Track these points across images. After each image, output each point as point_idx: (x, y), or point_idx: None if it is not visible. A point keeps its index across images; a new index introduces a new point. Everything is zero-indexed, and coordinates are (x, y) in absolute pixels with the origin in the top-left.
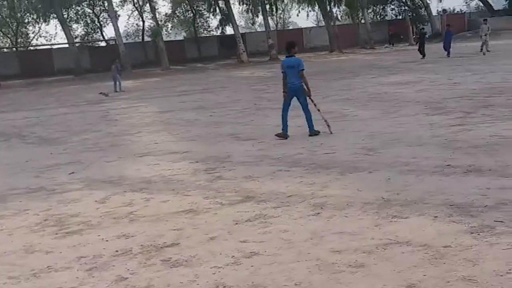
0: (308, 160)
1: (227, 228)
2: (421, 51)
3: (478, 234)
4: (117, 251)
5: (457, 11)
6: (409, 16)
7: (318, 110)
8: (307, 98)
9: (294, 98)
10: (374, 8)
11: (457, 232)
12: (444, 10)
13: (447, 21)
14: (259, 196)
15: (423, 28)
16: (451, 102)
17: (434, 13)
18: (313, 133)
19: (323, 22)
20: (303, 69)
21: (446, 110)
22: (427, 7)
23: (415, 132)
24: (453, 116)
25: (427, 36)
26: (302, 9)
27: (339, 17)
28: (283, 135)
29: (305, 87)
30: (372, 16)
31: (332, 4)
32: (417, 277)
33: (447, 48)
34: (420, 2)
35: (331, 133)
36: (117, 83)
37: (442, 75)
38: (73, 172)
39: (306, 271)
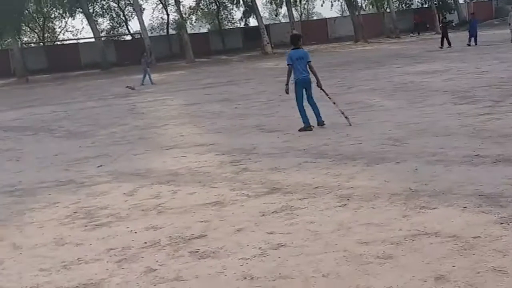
0: (334, 151)
1: (253, 220)
2: (443, 40)
3: (508, 225)
4: (145, 242)
5: None
6: (435, 4)
7: (334, 103)
8: (321, 90)
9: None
10: None
11: (486, 222)
12: None
13: (474, 8)
14: (285, 188)
15: (445, 18)
16: (479, 91)
17: (460, 0)
18: (321, 124)
19: (347, 12)
20: (310, 61)
21: (474, 99)
22: None
23: (442, 122)
24: (481, 105)
25: (453, 24)
26: None
27: (364, 7)
28: (307, 127)
29: (315, 78)
30: (397, 5)
31: None
32: (446, 268)
33: (474, 36)
34: None
35: (350, 124)
36: (146, 76)
37: (470, 64)
38: (101, 165)
39: (333, 263)
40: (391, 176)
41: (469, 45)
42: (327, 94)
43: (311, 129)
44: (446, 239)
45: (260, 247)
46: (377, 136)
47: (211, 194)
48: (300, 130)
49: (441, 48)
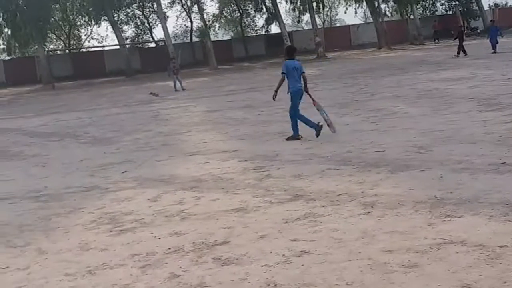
0: (358, 159)
1: (277, 227)
2: (460, 48)
3: None
4: (169, 248)
5: (510, 5)
6: (460, 11)
7: (317, 110)
8: (308, 95)
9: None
10: (423, 3)
11: None
12: (496, 5)
13: (499, 15)
14: (309, 195)
15: (461, 26)
16: (505, 98)
17: (485, 7)
18: (295, 137)
19: (371, 19)
20: (304, 72)
21: (500, 106)
22: (478, 1)
23: (468, 129)
24: (508, 112)
25: (478, 31)
26: (350, 6)
27: (388, 13)
28: (296, 137)
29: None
30: (421, 11)
31: (380, 0)
32: (473, 278)
33: (493, 43)
34: None
35: (334, 131)
36: (175, 82)
37: (495, 71)
38: (125, 171)
39: (357, 271)
40: (416, 183)
41: (494, 52)
42: (313, 100)
43: (299, 139)
44: (472, 248)
45: (284, 254)
46: (401, 143)
47: (234, 200)
48: (288, 139)
49: (456, 56)
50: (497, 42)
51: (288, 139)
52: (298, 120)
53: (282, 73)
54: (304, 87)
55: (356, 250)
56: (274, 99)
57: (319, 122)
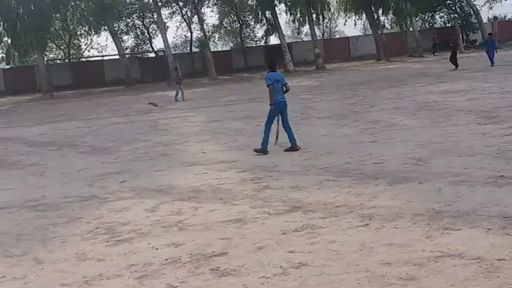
0: (356, 170)
1: (274, 238)
2: (453, 61)
3: None
4: (166, 259)
5: (509, 18)
6: (459, 23)
7: (277, 120)
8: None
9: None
10: (423, 15)
11: (511, 244)
12: (495, 17)
13: (497, 28)
14: (307, 206)
15: (455, 38)
16: (504, 111)
17: (484, 20)
18: (293, 148)
19: (370, 31)
20: (286, 83)
21: (499, 119)
22: (477, 14)
23: (466, 142)
24: (506, 125)
25: (477, 44)
26: (349, 17)
27: (387, 25)
28: (264, 150)
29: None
30: (420, 23)
31: (380, 12)
32: None
33: (490, 57)
34: (470, 9)
35: (275, 144)
36: (177, 92)
37: (494, 84)
38: (124, 181)
39: (355, 283)
40: (414, 196)
41: (492, 65)
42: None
43: (267, 153)
44: (470, 261)
45: (281, 266)
46: (400, 155)
47: (232, 211)
48: (255, 150)
49: (455, 68)
50: (493, 56)
51: (255, 150)
52: (291, 133)
53: (268, 85)
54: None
55: (354, 263)
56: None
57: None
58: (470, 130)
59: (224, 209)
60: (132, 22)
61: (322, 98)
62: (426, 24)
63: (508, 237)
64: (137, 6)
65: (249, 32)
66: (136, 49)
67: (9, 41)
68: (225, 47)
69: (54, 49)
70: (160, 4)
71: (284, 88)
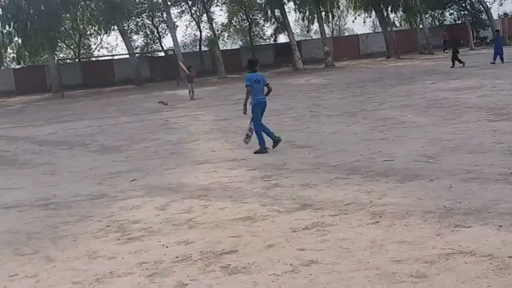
0: (366, 168)
1: (284, 236)
2: (454, 59)
3: None
4: (177, 257)
5: None
6: (469, 20)
7: (251, 122)
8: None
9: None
10: (432, 12)
11: None
12: (506, 14)
13: (508, 25)
14: (316, 204)
15: (454, 37)
16: None
17: (495, 17)
18: (276, 143)
19: (379, 28)
20: (268, 83)
21: (510, 116)
22: (487, 11)
23: (477, 139)
24: None
25: (487, 41)
26: (359, 15)
27: (397, 23)
28: (263, 150)
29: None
30: (430, 21)
31: (389, 9)
32: None
33: (500, 54)
34: (480, 6)
35: (246, 143)
36: (190, 90)
37: (504, 80)
38: (134, 180)
39: (365, 281)
40: (425, 193)
41: (493, 63)
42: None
43: (267, 152)
44: (481, 258)
45: (291, 264)
46: (410, 153)
47: (242, 209)
48: (255, 152)
49: (462, 66)
50: (503, 53)
51: (256, 152)
52: (264, 132)
53: (246, 85)
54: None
55: (365, 260)
56: (245, 113)
57: (278, 137)
58: (481, 127)
59: (234, 207)
60: (142, 22)
61: (331, 96)
62: (436, 21)
63: None
64: (146, 5)
65: (258, 31)
66: (145, 48)
67: (19, 41)
68: (234, 46)
69: (64, 49)
70: (169, 3)
71: (266, 89)
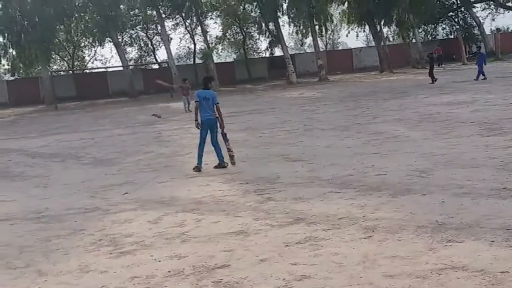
0: (359, 182)
1: (277, 250)
2: (431, 75)
3: None
4: (169, 271)
5: None
6: (462, 35)
7: (228, 149)
8: (222, 131)
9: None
10: (425, 27)
11: None
12: (498, 29)
13: (500, 40)
14: (309, 218)
15: (431, 53)
16: (507, 122)
17: (487, 32)
18: (221, 165)
19: (373, 42)
20: (218, 103)
21: (502, 131)
22: (480, 26)
23: (469, 153)
24: (509, 137)
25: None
26: (352, 29)
27: (390, 37)
28: (197, 167)
29: (220, 120)
30: (423, 35)
31: (382, 24)
32: None
33: (480, 70)
34: (473, 21)
35: (233, 164)
36: (186, 103)
37: (497, 95)
38: (126, 193)
39: None
40: (417, 208)
41: (476, 79)
42: (226, 139)
43: (199, 170)
44: (473, 274)
45: (284, 278)
46: (402, 167)
47: (235, 223)
48: (216, 167)
49: (432, 83)
50: (480, 69)
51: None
52: (218, 150)
53: (195, 101)
54: (221, 125)
55: (357, 275)
56: (197, 127)
57: (225, 162)
58: (473, 142)
59: (227, 221)
60: (136, 34)
61: (325, 110)
62: (429, 36)
63: None
64: (141, 18)
65: (253, 44)
66: (139, 60)
67: (13, 53)
68: (229, 59)
69: (58, 61)
70: (163, 16)
71: (215, 107)
